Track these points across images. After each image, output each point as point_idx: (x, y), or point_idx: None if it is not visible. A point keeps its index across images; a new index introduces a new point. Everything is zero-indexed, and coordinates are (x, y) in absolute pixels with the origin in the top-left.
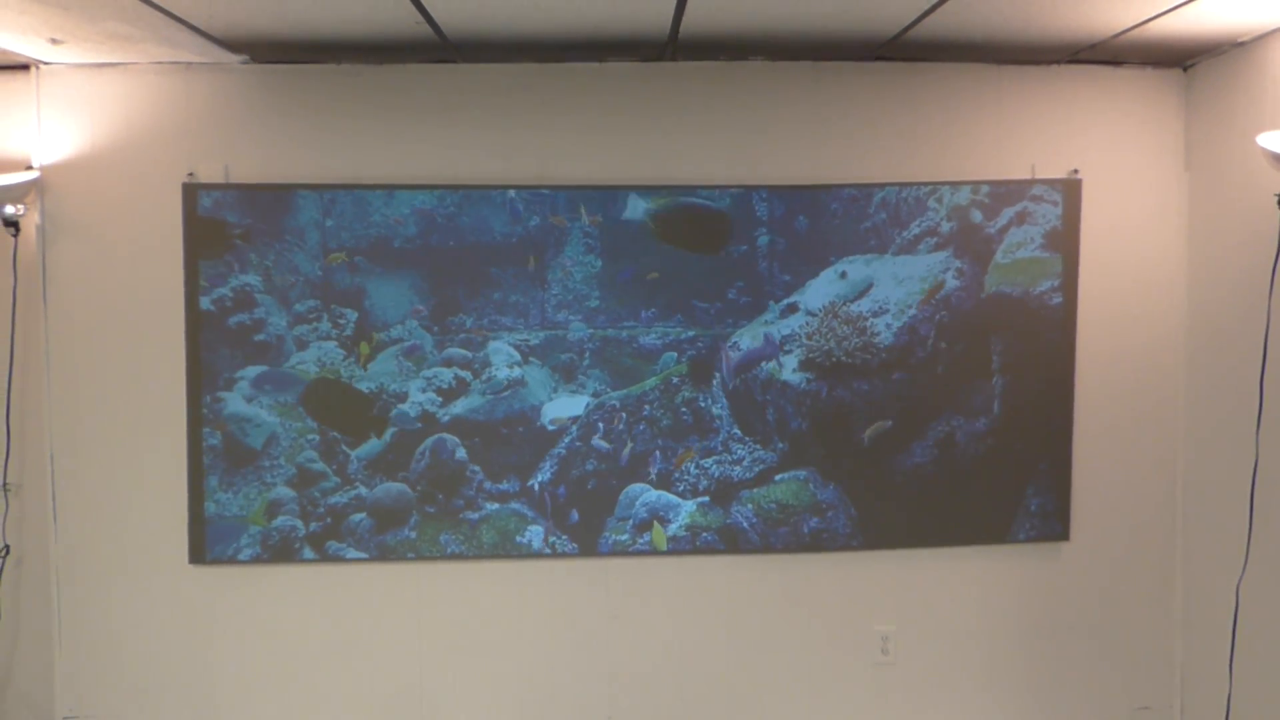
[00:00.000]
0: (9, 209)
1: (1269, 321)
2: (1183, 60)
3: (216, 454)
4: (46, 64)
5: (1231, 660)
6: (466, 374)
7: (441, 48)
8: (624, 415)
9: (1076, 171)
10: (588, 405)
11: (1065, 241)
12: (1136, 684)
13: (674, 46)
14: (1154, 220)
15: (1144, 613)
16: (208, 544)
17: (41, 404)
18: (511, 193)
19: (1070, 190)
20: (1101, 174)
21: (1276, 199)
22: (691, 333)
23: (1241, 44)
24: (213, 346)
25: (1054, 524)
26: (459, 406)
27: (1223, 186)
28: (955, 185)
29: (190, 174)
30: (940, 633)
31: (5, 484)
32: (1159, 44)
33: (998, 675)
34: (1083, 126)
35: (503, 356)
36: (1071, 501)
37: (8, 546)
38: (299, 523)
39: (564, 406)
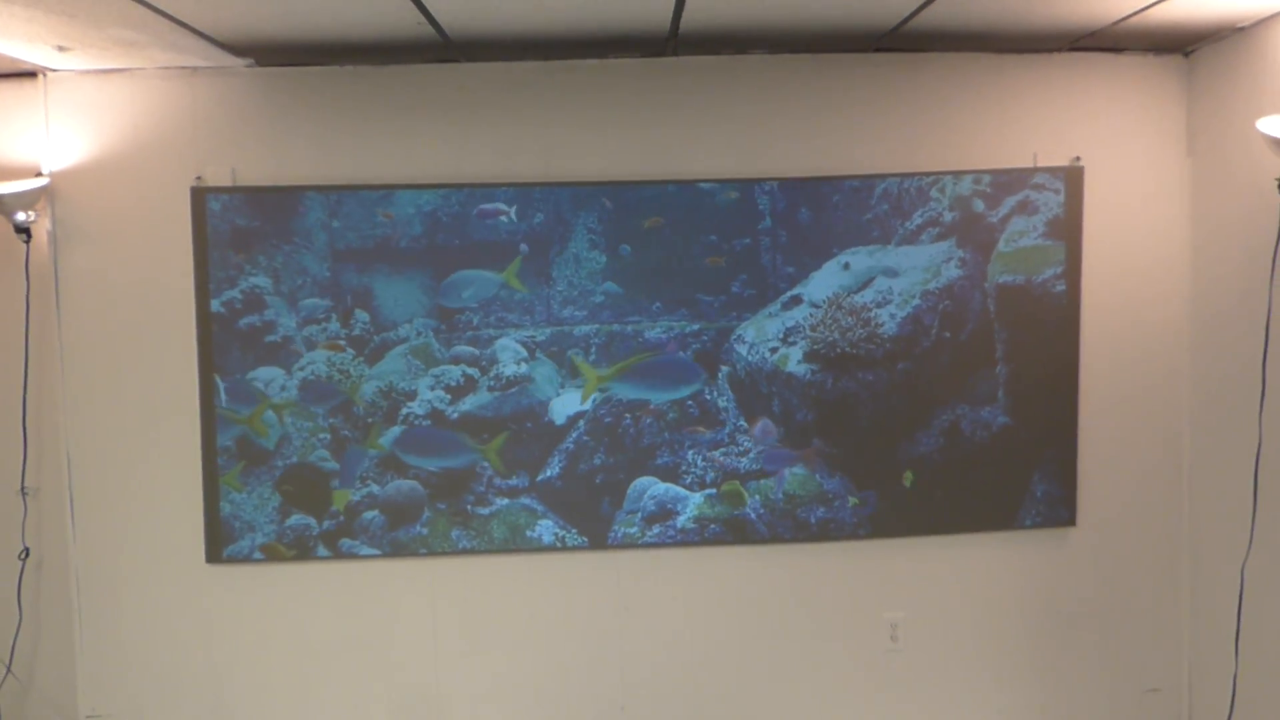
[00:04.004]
0: (20, 215)
1: (1270, 306)
2: (1184, 46)
3: (230, 454)
4: (54, 71)
5: (1237, 641)
6: (474, 371)
7: (444, 48)
8: (631, 410)
9: (1078, 159)
10: (595, 400)
11: (1068, 229)
12: (1145, 666)
13: (675, 42)
14: (1157, 206)
15: (1152, 596)
16: (223, 543)
17: (57, 408)
18: (516, 190)
19: (1072, 178)
20: (1104, 161)
21: (1277, 183)
22: (697, 326)
23: (1242, 29)
24: (224, 348)
25: (1060, 510)
26: (467, 403)
27: (1225, 171)
28: (957, 175)
29: (198, 177)
30: (949, 619)
31: (24, 487)
32: (1159, 30)
33: (1007, 660)
34: (1084, 114)
35: (510, 353)
36: (1078, 487)
37: (27, 549)
38: (312, 520)
39: (571, 402)
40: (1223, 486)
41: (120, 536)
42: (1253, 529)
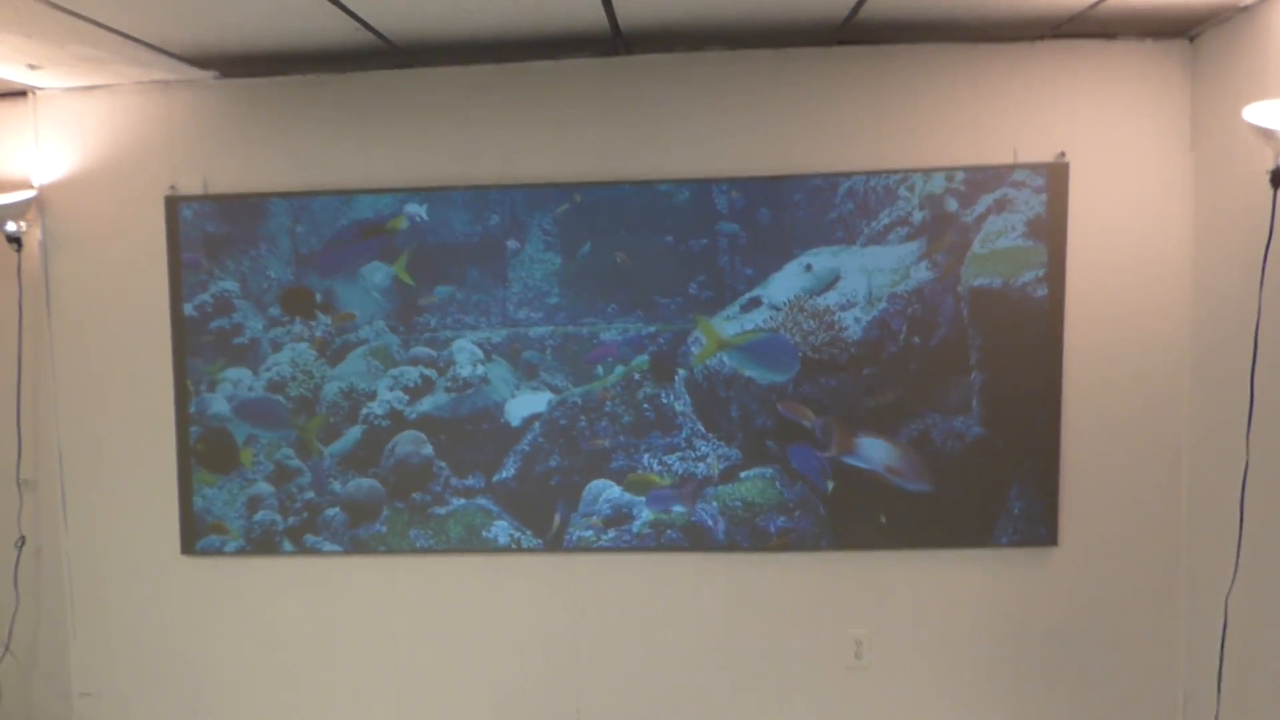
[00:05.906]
0: (11, 226)
1: (1260, 313)
2: (1186, 30)
3: (201, 452)
4: (41, 89)
5: (1219, 679)
6: (432, 372)
7: (398, 54)
8: (586, 412)
9: (1064, 155)
10: (550, 402)
11: (1050, 229)
12: (1135, 700)
13: (623, 40)
14: (1154, 205)
15: (1143, 625)
16: (196, 536)
17: (50, 405)
18: (472, 193)
19: (1056, 175)
20: (1093, 157)
21: (1269, 176)
22: (653, 328)
23: (1245, 8)
24: (196, 350)
25: (1040, 528)
26: (425, 404)
27: (1230, 166)
28: (928, 173)
29: (172, 187)
30: (916, 638)
31: (21, 480)
32: (1151, 13)
33: (979, 686)
34: (1071, 106)
35: (466, 355)
36: (1060, 505)
37: (24, 537)
38: (278, 517)
39: (527, 404)
40: (1222, 508)
41: (107, 527)
42: (1238, 555)
